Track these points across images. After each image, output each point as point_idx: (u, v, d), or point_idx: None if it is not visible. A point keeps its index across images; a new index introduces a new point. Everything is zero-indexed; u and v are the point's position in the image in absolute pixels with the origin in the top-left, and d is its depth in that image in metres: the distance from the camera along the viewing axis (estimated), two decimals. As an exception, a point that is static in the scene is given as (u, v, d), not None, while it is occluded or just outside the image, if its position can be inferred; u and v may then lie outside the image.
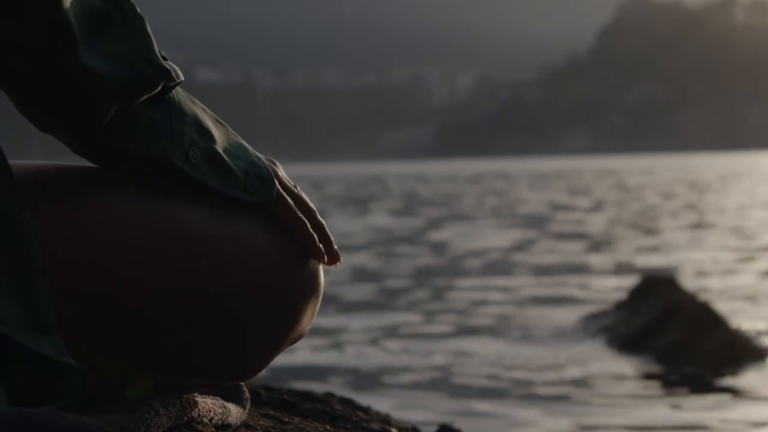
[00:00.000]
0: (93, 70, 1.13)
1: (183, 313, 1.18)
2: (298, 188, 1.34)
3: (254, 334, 1.25)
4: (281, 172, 1.32)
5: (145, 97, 1.18)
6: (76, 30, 1.11)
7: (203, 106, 1.28)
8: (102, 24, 1.15)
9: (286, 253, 1.27)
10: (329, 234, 1.33)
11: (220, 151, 1.25)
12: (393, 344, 5.98)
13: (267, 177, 1.28)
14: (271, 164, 1.32)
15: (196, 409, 1.21)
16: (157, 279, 1.17)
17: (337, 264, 1.34)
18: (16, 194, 1.10)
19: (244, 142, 1.30)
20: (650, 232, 14.49)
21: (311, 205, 1.33)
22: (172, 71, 1.20)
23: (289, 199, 1.30)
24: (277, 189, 1.29)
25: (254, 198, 1.26)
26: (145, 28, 1.18)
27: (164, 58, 1.20)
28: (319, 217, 1.33)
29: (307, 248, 1.30)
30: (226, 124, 1.30)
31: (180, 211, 1.21)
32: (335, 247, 1.33)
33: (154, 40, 1.19)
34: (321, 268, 1.32)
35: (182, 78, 1.22)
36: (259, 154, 1.31)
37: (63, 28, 1.10)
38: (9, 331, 1.06)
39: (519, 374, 5.15)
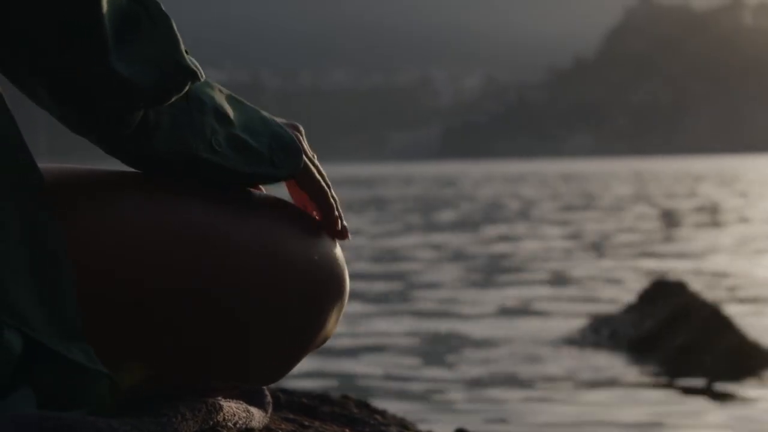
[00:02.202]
0: (122, 76, 1.12)
1: (183, 313, 1.18)
2: (316, 158, 1.34)
3: (261, 336, 1.24)
4: (303, 138, 1.32)
5: (174, 98, 1.18)
6: (108, 35, 1.10)
7: (219, 86, 1.27)
8: (131, 25, 1.14)
9: (295, 254, 1.26)
10: (340, 210, 1.33)
11: (240, 133, 1.25)
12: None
13: (291, 146, 1.28)
14: (294, 130, 1.31)
15: (221, 413, 1.22)
16: (157, 279, 1.17)
17: (347, 238, 1.34)
18: (43, 198, 1.11)
19: (263, 113, 1.29)
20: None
21: (327, 179, 1.34)
22: (198, 72, 1.19)
23: (313, 168, 1.30)
24: (303, 160, 1.29)
25: (282, 172, 1.27)
26: (171, 27, 1.17)
27: (186, 52, 1.19)
28: (333, 191, 1.34)
29: (327, 217, 1.30)
30: (242, 99, 1.29)
31: (181, 211, 1.21)
32: (345, 222, 1.34)
33: (180, 39, 1.17)
34: (346, 272, 1.32)
35: (204, 76, 1.21)
36: (281, 121, 1.30)
37: (97, 33, 1.10)
38: (39, 336, 1.06)
39: (524, 373, 5.16)
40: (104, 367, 1.10)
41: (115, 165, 1.26)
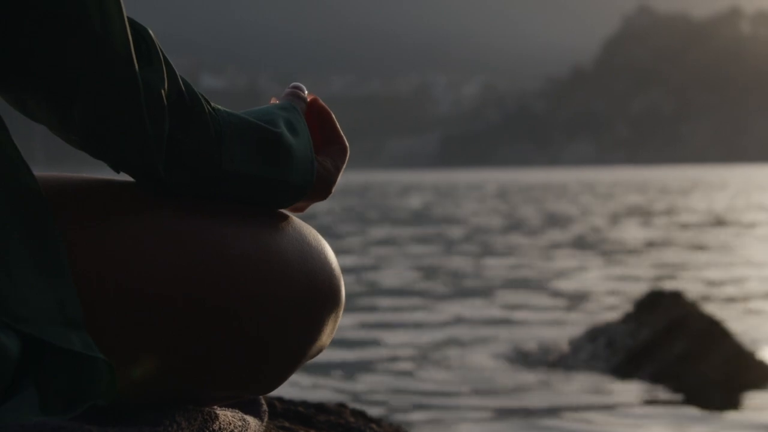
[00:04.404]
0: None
1: (181, 318, 1.19)
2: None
3: (258, 343, 1.24)
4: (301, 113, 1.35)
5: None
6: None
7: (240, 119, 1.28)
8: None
9: (293, 264, 1.27)
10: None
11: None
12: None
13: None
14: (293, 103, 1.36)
15: (217, 422, 1.22)
16: (156, 285, 1.17)
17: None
18: (40, 195, 1.12)
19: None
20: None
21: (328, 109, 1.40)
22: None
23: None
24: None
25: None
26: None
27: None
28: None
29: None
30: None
31: (180, 218, 1.22)
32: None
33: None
34: (342, 283, 1.33)
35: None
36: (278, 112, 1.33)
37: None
38: (37, 331, 1.06)
39: (522, 381, 5.16)
40: (103, 356, 1.10)
41: (112, 173, 1.26)
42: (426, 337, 6.58)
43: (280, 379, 1.31)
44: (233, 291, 1.21)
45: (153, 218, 1.20)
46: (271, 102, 1.36)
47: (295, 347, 1.28)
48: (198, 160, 1.21)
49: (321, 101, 1.38)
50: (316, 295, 1.28)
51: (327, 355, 5.73)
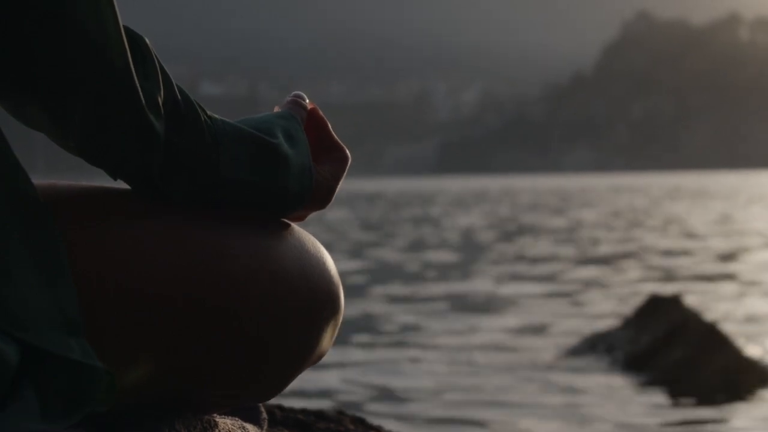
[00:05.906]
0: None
1: (182, 321, 1.18)
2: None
3: (258, 348, 1.25)
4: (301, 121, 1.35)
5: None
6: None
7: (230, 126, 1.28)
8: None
9: (292, 270, 1.27)
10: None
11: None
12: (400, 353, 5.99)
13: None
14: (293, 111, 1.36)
15: (216, 430, 1.21)
16: (156, 285, 1.17)
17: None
18: (38, 199, 1.12)
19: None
20: None
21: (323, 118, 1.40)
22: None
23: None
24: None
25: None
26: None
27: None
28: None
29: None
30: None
31: (182, 223, 1.22)
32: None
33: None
34: (341, 290, 1.34)
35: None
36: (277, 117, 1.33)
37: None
38: (36, 338, 1.06)
39: (522, 390, 5.16)
40: (101, 364, 1.09)
41: (110, 182, 1.26)
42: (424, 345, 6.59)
43: (281, 381, 1.31)
44: (233, 291, 1.21)
45: (153, 219, 1.21)
46: (275, 111, 1.37)
47: (295, 348, 1.28)
48: (195, 164, 1.22)
49: (320, 111, 1.39)
50: (315, 296, 1.29)
51: (327, 358, 5.74)
